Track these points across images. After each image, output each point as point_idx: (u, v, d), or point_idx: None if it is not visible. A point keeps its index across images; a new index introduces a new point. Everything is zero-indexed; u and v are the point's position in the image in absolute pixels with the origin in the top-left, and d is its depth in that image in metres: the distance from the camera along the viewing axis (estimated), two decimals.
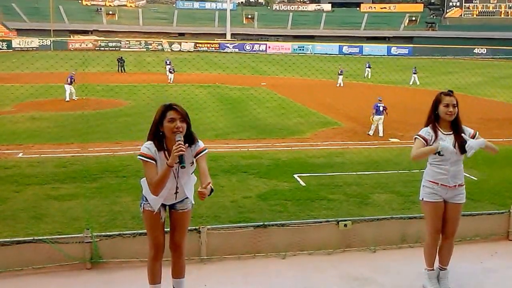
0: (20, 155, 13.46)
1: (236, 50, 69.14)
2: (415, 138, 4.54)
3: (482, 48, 67.02)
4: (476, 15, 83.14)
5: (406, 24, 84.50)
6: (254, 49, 70.21)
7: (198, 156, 3.94)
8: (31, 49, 61.06)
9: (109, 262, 5.11)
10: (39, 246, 4.97)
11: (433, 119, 4.53)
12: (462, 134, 4.45)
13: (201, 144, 3.98)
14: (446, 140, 4.43)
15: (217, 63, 36.62)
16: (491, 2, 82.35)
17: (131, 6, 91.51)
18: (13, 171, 11.74)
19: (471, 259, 5.52)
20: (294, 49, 70.13)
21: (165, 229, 4.23)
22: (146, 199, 4.08)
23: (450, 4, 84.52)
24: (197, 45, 70.65)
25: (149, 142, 3.91)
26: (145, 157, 3.86)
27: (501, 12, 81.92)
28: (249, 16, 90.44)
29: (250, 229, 5.48)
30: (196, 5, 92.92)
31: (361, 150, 14.68)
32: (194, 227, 5.24)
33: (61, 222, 8.37)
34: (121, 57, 40.54)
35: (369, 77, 37.93)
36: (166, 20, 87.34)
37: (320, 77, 28.72)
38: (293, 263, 5.35)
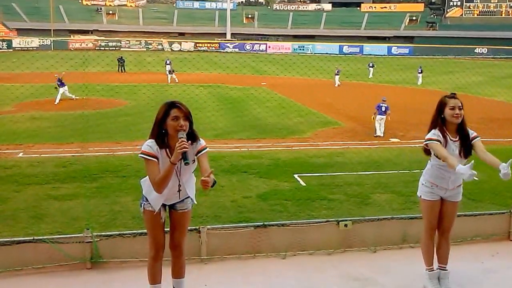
0: (20, 155, 13.46)
1: (236, 50, 69.13)
2: (430, 142, 4.36)
3: (483, 47, 66.86)
4: (477, 15, 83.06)
5: (406, 24, 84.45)
6: (254, 49, 70.20)
7: (200, 154, 3.93)
8: (31, 48, 61.09)
9: (109, 262, 5.10)
10: (39, 246, 4.96)
11: (440, 123, 4.41)
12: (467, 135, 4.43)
13: (202, 142, 3.98)
14: (460, 159, 4.31)
15: (217, 63, 36.60)
16: (492, 1, 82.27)
17: (131, 5, 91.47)
18: (13, 171, 11.73)
19: (472, 259, 5.51)
20: (294, 49, 70.09)
21: (165, 229, 4.21)
22: (147, 199, 4.06)
23: (451, 3, 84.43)
24: (197, 44, 70.63)
25: (151, 140, 3.87)
26: (147, 155, 3.82)
27: (502, 11, 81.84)
28: (249, 16, 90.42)
29: (250, 229, 5.47)
30: (196, 4, 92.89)
31: (362, 150, 14.66)
32: (194, 227, 5.23)
33: (61, 222, 8.36)
34: (121, 57, 40.53)
35: (371, 76, 37.86)
36: (166, 20, 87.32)
37: (321, 76, 28.68)
38: (293, 263, 5.34)
